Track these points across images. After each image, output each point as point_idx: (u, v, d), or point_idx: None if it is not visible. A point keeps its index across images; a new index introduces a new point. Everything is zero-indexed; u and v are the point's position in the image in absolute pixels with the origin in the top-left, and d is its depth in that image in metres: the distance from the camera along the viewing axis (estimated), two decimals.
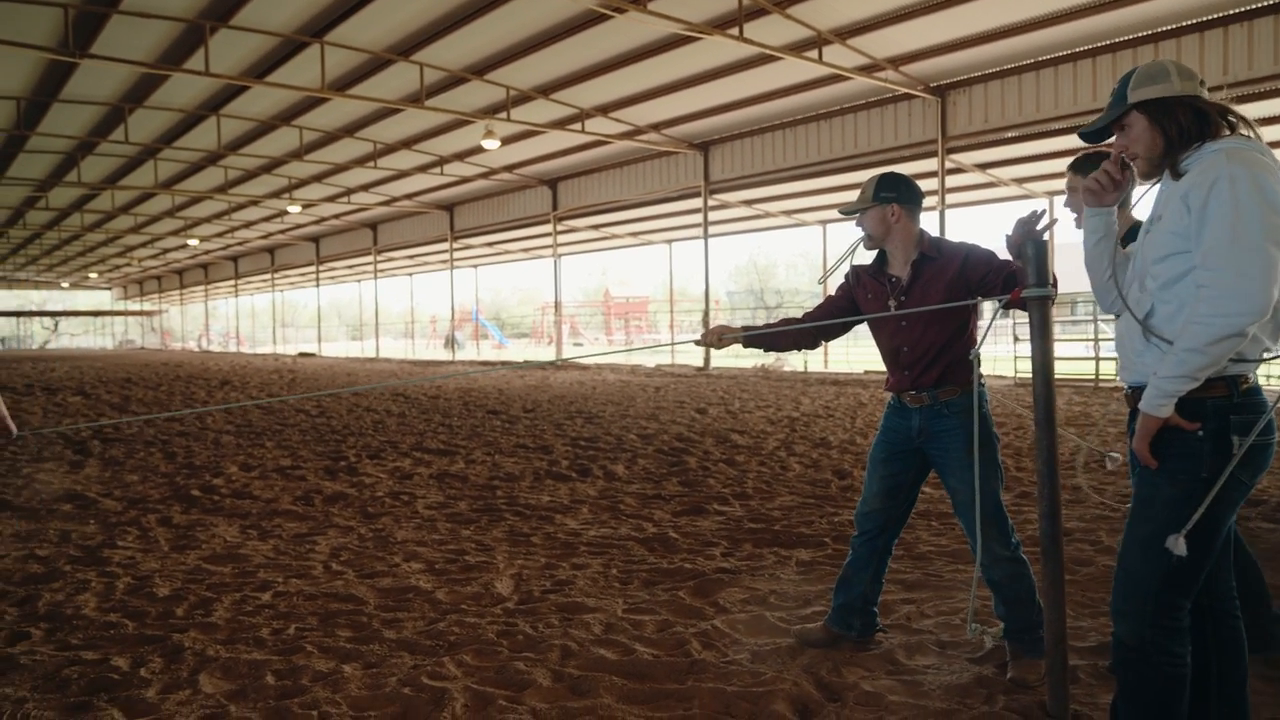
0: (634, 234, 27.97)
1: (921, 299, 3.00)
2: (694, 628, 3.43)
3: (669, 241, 28.52)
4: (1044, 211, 2.63)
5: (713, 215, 21.16)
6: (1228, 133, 2.09)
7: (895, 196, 3.00)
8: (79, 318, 66.24)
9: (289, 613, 3.76)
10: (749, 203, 21.82)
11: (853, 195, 21.87)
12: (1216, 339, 1.93)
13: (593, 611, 3.66)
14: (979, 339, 3.00)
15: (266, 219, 31.70)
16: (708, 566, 4.29)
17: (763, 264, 55.97)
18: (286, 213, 29.37)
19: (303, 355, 37.12)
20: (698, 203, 20.73)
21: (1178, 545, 2.02)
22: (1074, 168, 3.15)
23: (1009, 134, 14.70)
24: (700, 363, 20.45)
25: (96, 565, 4.56)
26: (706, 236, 20.80)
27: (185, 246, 39.60)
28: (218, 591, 4.07)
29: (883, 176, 3.05)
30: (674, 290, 29.61)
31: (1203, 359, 1.96)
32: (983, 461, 2.85)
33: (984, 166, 17.21)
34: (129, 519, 5.63)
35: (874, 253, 3.17)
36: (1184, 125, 2.10)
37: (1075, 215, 3.20)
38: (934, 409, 3.01)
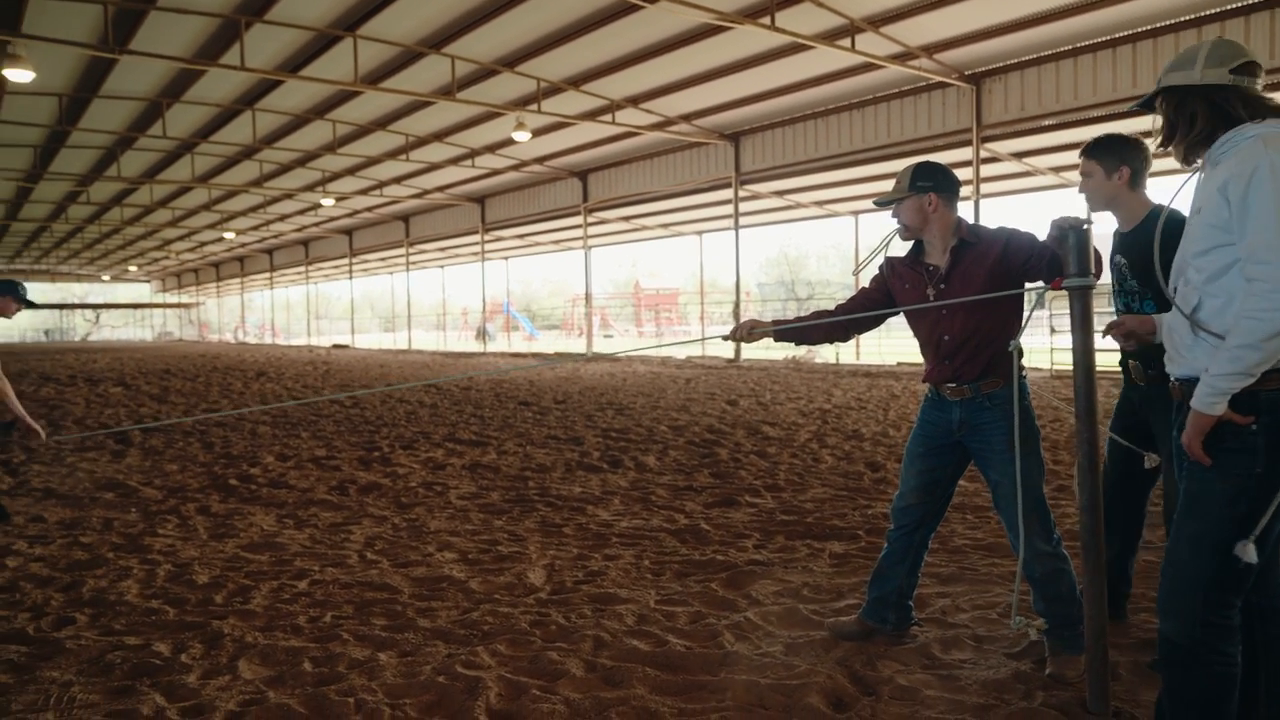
0: (664, 225, 27.91)
1: (962, 287, 2.92)
2: (727, 620, 3.43)
3: (699, 233, 28.43)
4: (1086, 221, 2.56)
5: (743, 206, 21.05)
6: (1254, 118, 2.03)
7: (932, 185, 2.93)
8: (119, 310, 67.54)
9: (325, 601, 3.81)
10: (780, 193, 21.67)
11: (886, 185, 21.60)
12: (1272, 334, 1.88)
13: (625, 602, 3.67)
14: (1020, 328, 2.92)
15: (300, 212, 32.07)
16: (740, 558, 4.28)
17: (794, 255, 55.61)
18: (320, 206, 29.69)
19: (336, 347, 37.55)
20: (728, 194, 20.64)
21: (1246, 551, 1.96)
22: (1086, 153, 3.10)
23: (1046, 122, 14.45)
24: (731, 355, 20.39)
25: (138, 553, 4.65)
26: (737, 228, 20.70)
27: (221, 240, 40.20)
28: (256, 579, 4.13)
29: (918, 165, 2.98)
30: (704, 282, 29.52)
31: (1258, 355, 1.90)
32: (1025, 455, 2.81)
33: (1020, 155, 16.93)
34: (169, 507, 5.74)
35: (908, 244, 3.11)
36: (1192, 113, 2.09)
37: (1090, 201, 3.16)
38: (975, 402, 2.95)
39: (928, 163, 3.00)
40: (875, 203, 3.11)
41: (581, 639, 3.26)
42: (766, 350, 21.01)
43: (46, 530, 5.18)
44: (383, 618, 3.58)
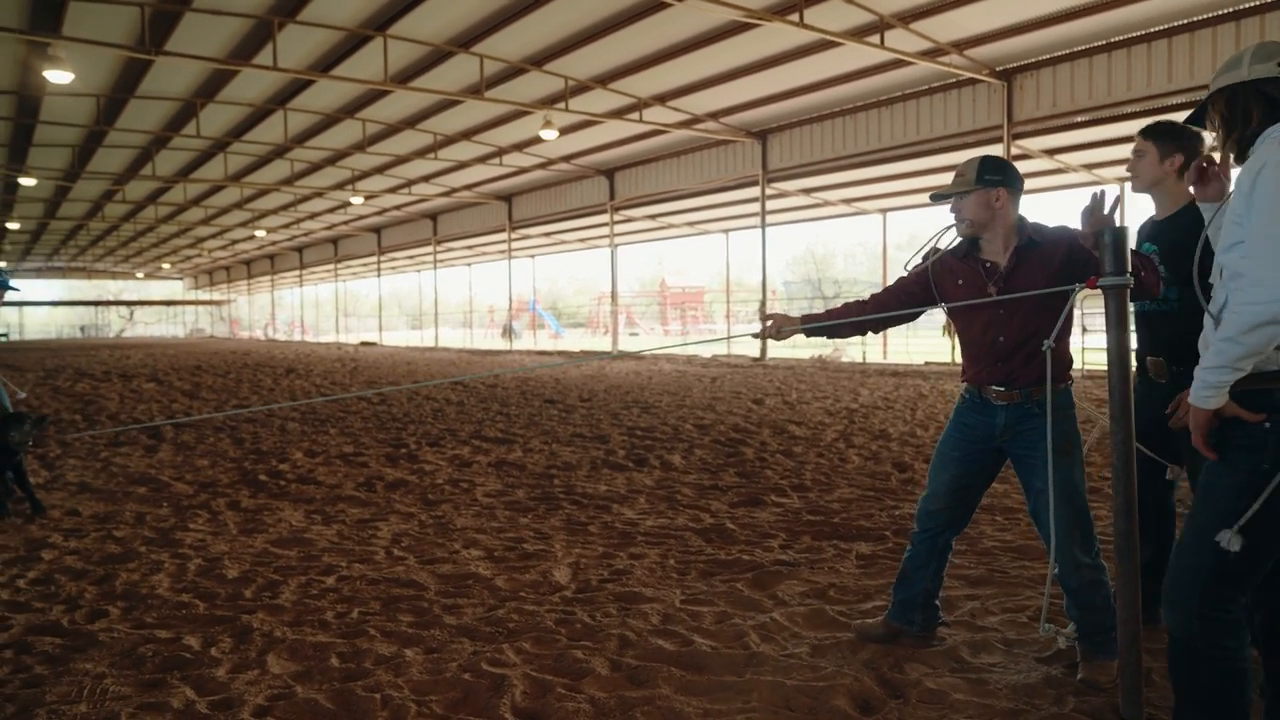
0: (691, 224, 27.87)
1: (1026, 287, 2.81)
2: (752, 620, 3.40)
3: (726, 231, 28.37)
4: (1104, 193, 2.52)
5: (770, 204, 20.97)
6: None
7: (1001, 180, 2.84)
8: (152, 307, 68.62)
9: (352, 597, 3.83)
10: (807, 191, 21.56)
11: (915, 183, 21.36)
12: (1250, 327, 1.89)
13: (650, 601, 3.66)
14: (1054, 331, 2.78)
15: (330, 210, 32.40)
16: (766, 558, 4.25)
17: (821, 254, 55.29)
18: (349, 204, 29.96)
19: (364, 344, 37.86)
20: (755, 192, 20.56)
21: (1230, 541, 1.98)
22: (1144, 133, 3.09)
23: (1078, 119, 14.24)
24: (756, 353, 20.30)
25: (169, 547, 4.71)
26: (764, 226, 20.62)
27: (253, 238, 40.71)
28: (284, 574, 4.17)
29: (985, 159, 2.89)
30: (730, 280, 29.45)
31: (1239, 349, 1.92)
32: (1072, 462, 2.77)
33: (1052, 152, 16.71)
34: (200, 502, 5.82)
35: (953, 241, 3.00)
36: (1246, 109, 2.09)
37: (1137, 180, 3.14)
38: (1024, 407, 2.86)
39: (995, 157, 2.91)
40: (933, 196, 2.97)
41: (606, 638, 3.25)
42: (793, 349, 20.89)
43: (81, 524, 5.27)
44: (409, 614, 3.59)
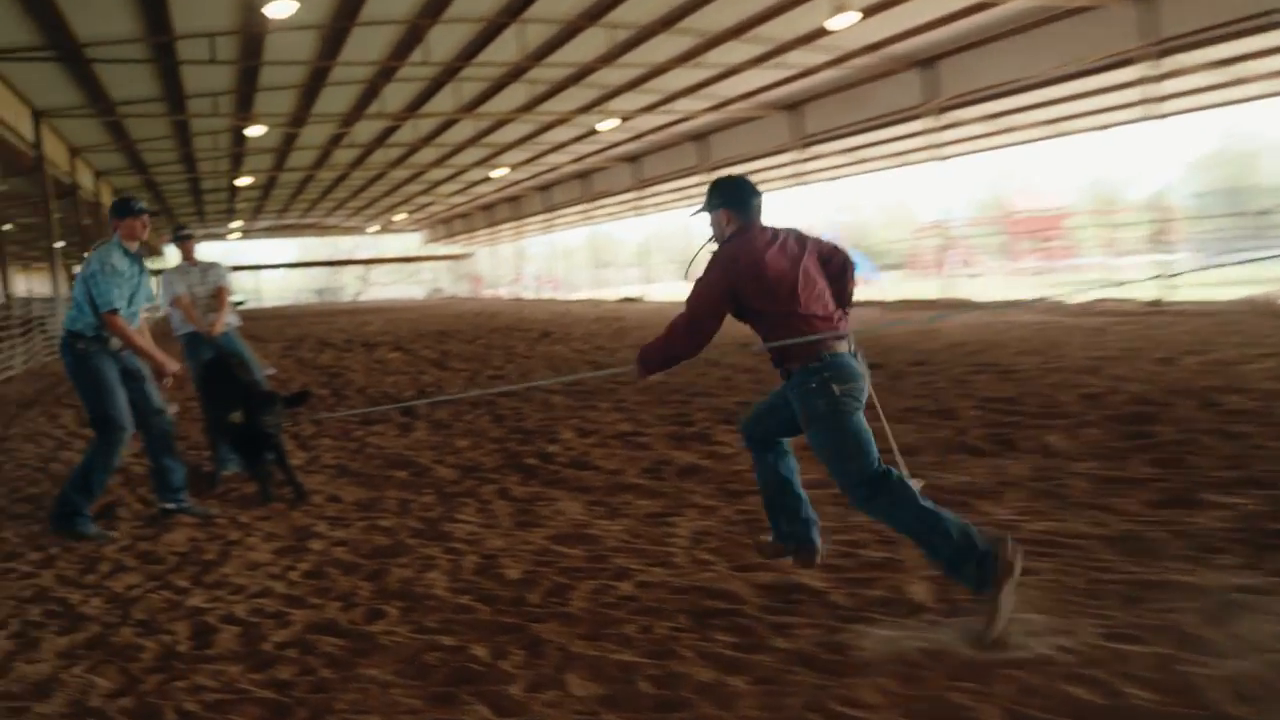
0: (1044, 123, 26.02)
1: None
2: (1207, 669, 3.07)
3: (1097, 128, 26.17)
4: None
5: (1163, 87, 19.01)
6: None
7: (721, 203, 4.14)
8: (388, 265, 76.12)
9: (655, 608, 3.96)
10: (1221, 64, 19.29)
11: None
12: None
13: (1050, 633, 3.43)
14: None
15: (576, 139, 33.90)
16: (1215, 582, 3.82)
17: (1241, 151, 49.32)
18: (597, 130, 31.15)
19: (626, 300, 39.42)
20: (1138, 71, 18.73)
21: None
22: None
23: None
24: (1152, 295, 18.57)
25: (439, 540, 5.17)
26: (1154, 117, 18.78)
27: (489, 180, 43.67)
28: (571, 577, 4.40)
29: (713, 185, 4.23)
30: (1103, 197, 27.28)
31: None
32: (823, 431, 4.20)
33: None
34: (465, 489, 6.34)
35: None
36: None
37: None
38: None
39: (720, 181, 4.23)
40: (693, 214, 4.30)
41: (994, 678, 3.09)
42: (1208, 286, 18.86)
43: (344, 511, 5.93)
44: (727, 633, 3.65)
